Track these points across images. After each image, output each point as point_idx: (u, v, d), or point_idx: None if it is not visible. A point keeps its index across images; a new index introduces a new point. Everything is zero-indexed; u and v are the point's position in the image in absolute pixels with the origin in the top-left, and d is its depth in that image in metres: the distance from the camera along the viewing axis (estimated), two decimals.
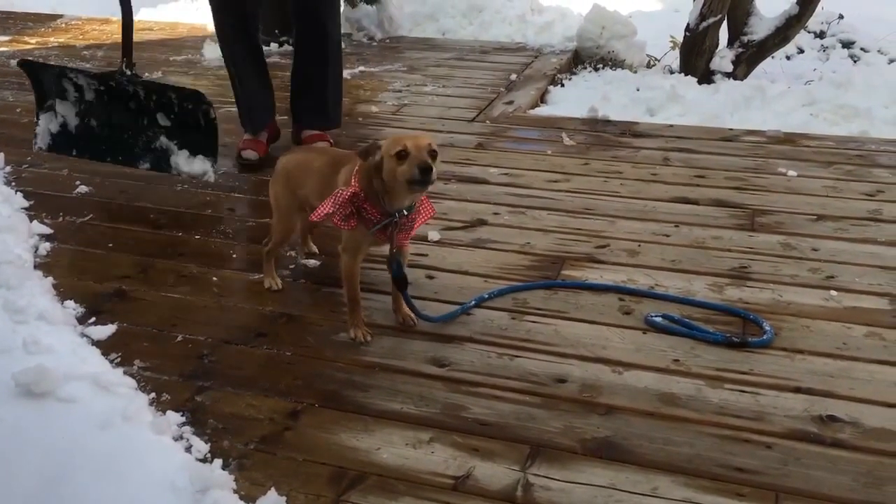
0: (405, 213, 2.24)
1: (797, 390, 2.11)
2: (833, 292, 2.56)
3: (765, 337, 2.31)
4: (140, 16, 7.33)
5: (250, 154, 3.56)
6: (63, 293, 2.50)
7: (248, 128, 3.69)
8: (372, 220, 2.23)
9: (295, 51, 3.72)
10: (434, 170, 2.10)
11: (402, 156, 2.10)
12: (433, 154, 2.12)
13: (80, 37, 6.18)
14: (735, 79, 5.22)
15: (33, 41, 6.07)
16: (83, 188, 3.34)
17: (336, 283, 2.61)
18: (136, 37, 6.17)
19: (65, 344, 2.16)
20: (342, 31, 3.85)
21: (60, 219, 3.07)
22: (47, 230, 2.94)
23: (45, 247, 2.84)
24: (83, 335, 2.30)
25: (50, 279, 2.55)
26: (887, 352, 2.27)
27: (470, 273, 2.69)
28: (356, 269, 2.33)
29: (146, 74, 5.15)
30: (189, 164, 3.05)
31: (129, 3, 3.33)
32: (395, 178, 2.12)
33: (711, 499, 1.76)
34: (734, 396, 2.08)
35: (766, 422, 1.99)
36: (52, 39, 6.09)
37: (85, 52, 5.69)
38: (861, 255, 2.80)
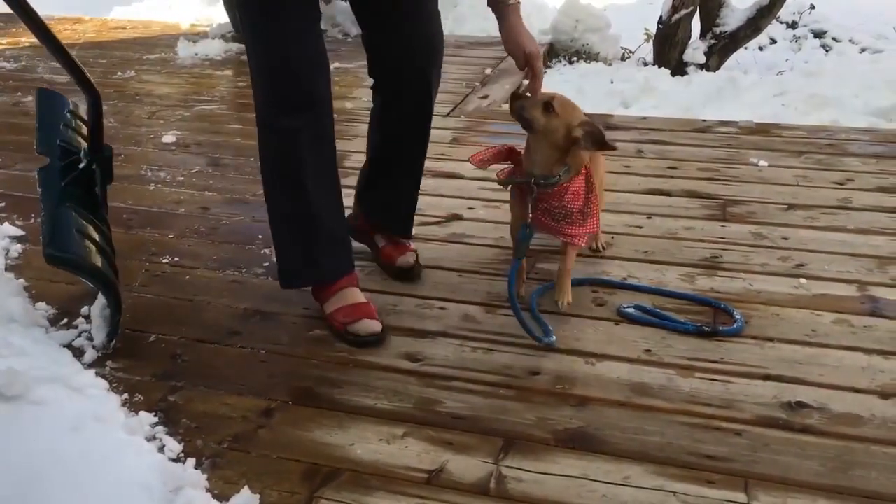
0: (542, 182, 2.23)
1: (767, 378, 2.13)
2: (803, 280, 2.59)
3: (735, 326, 2.33)
4: (114, 14, 7.33)
5: (372, 326, 2.28)
6: (35, 295, 2.49)
7: (333, 273, 2.36)
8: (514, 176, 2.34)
9: (381, 120, 2.58)
10: (525, 108, 2.23)
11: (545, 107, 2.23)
12: (547, 105, 2.21)
13: None
14: (708, 70, 5.27)
15: (4, 41, 6.01)
16: None
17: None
18: (110, 35, 6.17)
19: (36, 346, 2.15)
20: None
21: (32, 220, 3.04)
22: (19, 232, 2.93)
23: (17, 249, 2.82)
24: (55, 337, 2.29)
25: (21, 281, 2.54)
26: (855, 338, 2.30)
27: (444, 268, 2.69)
28: (513, 226, 2.47)
29: (119, 73, 5.14)
30: (97, 312, 2.30)
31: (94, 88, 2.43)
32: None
33: (682, 486, 1.78)
34: (705, 385, 2.11)
35: (735, 409, 2.02)
36: (23, 39, 6.02)
37: None
38: (830, 244, 2.83)
